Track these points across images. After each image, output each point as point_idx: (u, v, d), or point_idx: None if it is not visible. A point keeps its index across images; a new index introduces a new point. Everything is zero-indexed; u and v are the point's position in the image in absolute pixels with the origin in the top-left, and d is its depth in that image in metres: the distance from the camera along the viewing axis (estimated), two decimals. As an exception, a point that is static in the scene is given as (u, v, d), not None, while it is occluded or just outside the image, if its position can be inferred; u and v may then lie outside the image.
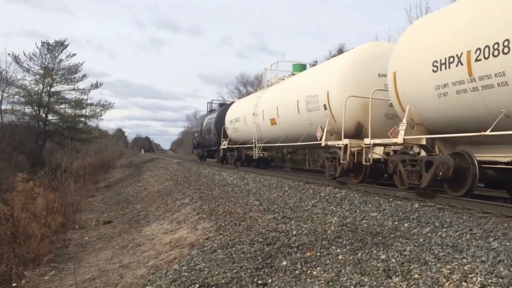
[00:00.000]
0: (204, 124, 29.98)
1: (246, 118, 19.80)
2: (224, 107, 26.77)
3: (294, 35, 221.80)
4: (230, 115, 23.23)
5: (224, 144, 23.54)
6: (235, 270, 5.00)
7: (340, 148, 11.02)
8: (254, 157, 19.79)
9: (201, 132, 30.92)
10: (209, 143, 28.75)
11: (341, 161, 10.84)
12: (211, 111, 31.39)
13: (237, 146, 21.98)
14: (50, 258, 9.91)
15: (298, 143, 14.44)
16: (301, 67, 17.54)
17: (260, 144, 18.66)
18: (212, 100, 34.61)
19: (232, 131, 22.62)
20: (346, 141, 10.74)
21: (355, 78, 11.14)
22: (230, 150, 23.32)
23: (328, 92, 11.79)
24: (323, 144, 11.86)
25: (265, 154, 19.79)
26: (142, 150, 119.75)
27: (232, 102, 27.19)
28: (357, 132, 11.15)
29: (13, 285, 8.28)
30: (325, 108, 11.97)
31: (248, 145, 20.10)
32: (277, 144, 16.69)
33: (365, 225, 6.47)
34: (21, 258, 9.61)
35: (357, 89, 10.81)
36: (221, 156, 24.61)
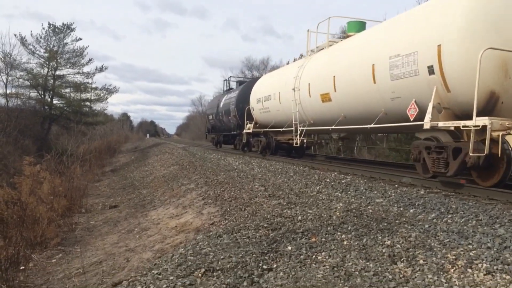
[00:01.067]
0: (221, 105, 25.19)
1: (282, 95, 15.77)
2: (247, 83, 22.38)
3: (301, 18, 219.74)
4: (257, 92, 18.87)
5: (249, 128, 19.37)
6: (240, 255, 5.02)
7: (453, 132, 7.84)
8: (294, 144, 15.03)
9: (217, 115, 26.44)
10: (227, 127, 24.84)
11: (470, 153, 6.95)
12: (229, 90, 26.62)
13: (265, 130, 18.01)
14: (57, 242, 10.03)
15: (372, 126, 10.06)
16: (360, 26, 13.01)
17: (303, 128, 14.22)
18: (230, 77, 29.19)
19: (260, 111, 18.37)
20: (483, 121, 6.88)
21: (495, 19, 7.17)
22: (255, 135, 19.51)
23: (440, 46, 7.65)
24: (428, 126, 7.85)
25: (305, 140, 14.90)
26: (148, 135, 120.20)
27: (258, 78, 22.60)
28: (489, 108, 7.26)
29: (21, 267, 8.39)
30: (431, 72, 7.88)
31: (283, 129, 16.00)
32: (333, 127, 12.25)
33: (370, 211, 6.48)
34: (28, 241, 9.73)
35: (498, 37, 7.07)
36: (244, 142, 20.70)
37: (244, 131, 20.03)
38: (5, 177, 15.89)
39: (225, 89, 28.43)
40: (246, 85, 22.07)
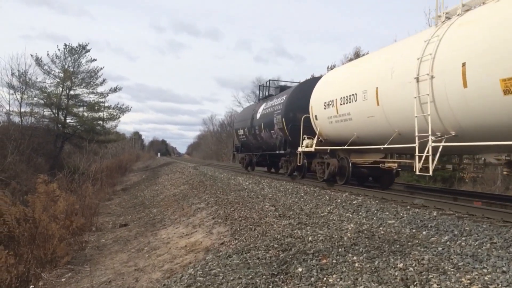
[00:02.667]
0: (258, 116, 19.84)
1: (382, 92, 9.79)
2: (303, 85, 16.81)
3: (313, 39, 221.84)
4: (324, 93, 12.99)
5: (308, 145, 13.84)
6: (250, 276, 4.97)
7: None
8: (414, 168, 8.65)
9: (251, 129, 20.97)
10: (266, 144, 19.28)
11: None
12: (267, 96, 21.05)
13: (337, 148, 12.37)
14: (67, 260, 10.03)
15: None
16: None
17: (438, 143, 8.10)
18: (270, 80, 22.70)
19: (329, 121, 12.50)
20: None
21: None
22: (312, 156, 14.25)
23: None
24: None
25: (432, 164, 8.10)
26: (159, 154, 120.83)
27: (319, 77, 15.64)
28: None
29: (31, 286, 8.39)
30: None
31: (377, 146, 10.35)
32: None
33: (382, 232, 6.39)
34: (39, 259, 9.75)
35: None
36: (298, 164, 14.84)
37: (300, 149, 14.34)
38: (17, 195, 16.02)
39: (261, 96, 22.65)
40: (300, 87, 16.68)
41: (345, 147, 11.73)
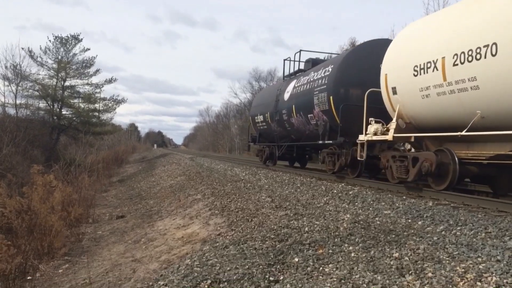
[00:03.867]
0: (286, 96, 15.67)
1: None
2: (358, 50, 12.76)
3: (311, 29, 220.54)
4: (414, 52, 8.85)
5: (381, 132, 9.92)
6: (247, 266, 5.00)
7: None
8: None
9: (275, 114, 16.67)
10: (298, 132, 15.16)
11: None
12: (296, 72, 16.86)
13: (434, 135, 8.60)
14: (64, 252, 10.05)
15: None
16: None
17: None
18: (300, 51, 16.97)
19: (425, 94, 8.41)
20: None
21: None
22: (392, 147, 10.44)
23: None
24: None
25: None
26: (155, 145, 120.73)
27: (385, 39, 12.54)
28: None
29: (28, 278, 8.41)
30: None
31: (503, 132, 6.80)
32: None
33: (378, 222, 6.43)
34: (36, 251, 9.76)
35: None
36: (359, 158, 10.74)
37: (363, 138, 10.32)
38: (13, 187, 15.99)
39: (286, 74, 17.99)
40: (355, 53, 12.39)
41: (463, 133, 7.47)
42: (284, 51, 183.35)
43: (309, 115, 13.53)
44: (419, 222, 6.22)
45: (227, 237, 7.19)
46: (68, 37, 38.55)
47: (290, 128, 15.64)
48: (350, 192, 9.10)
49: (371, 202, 7.96)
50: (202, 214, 9.86)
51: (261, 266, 4.95)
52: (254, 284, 4.50)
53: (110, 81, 41.16)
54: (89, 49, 40.05)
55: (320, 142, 12.80)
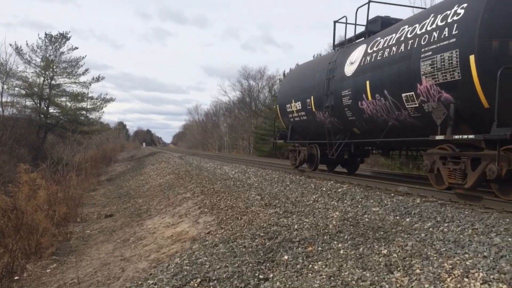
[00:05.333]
0: (350, 70, 10.85)
1: None
2: None
3: (301, 28, 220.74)
4: None
5: None
6: (237, 264, 5.01)
7: None
8: None
9: (325, 98, 11.92)
10: (371, 123, 10.30)
11: None
12: (359, 36, 11.92)
13: None
14: (52, 251, 9.96)
15: None
16: None
17: None
18: (370, 1, 11.28)
19: None
20: None
21: None
22: None
23: None
24: None
25: None
26: (144, 144, 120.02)
27: None
28: None
29: (15, 278, 8.32)
30: None
31: None
32: None
33: (367, 220, 6.47)
34: (23, 250, 9.66)
35: None
36: None
37: None
38: (0, 186, 15.80)
39: (345, 37, 12.60)
40: None
41: None
42: (274, 49, 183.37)
43: (404, 95, 8.67)
44: (407, 219, 6.27)
45: (217, 235, 7.18)
46: (57, 35, 38.18)
47: (355, 117, 10.72)
48: (339, 190, 9.14)
49: (360, 199, 8.01)
50: (192, 213, 9.83)
51: (250, 264, 4.96)
52: (244, 282, 4.51)
53: (97, 79, 40.82)
54: (77, 48, 39.68)
55: (440, 137, 7.70)
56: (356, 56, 10.76)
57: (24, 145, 30.54)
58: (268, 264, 4.95)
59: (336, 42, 13.34)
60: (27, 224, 10.53)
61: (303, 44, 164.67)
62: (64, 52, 38.97)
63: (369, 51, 10.22)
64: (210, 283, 4.61)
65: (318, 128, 12.86)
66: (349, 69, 10.87)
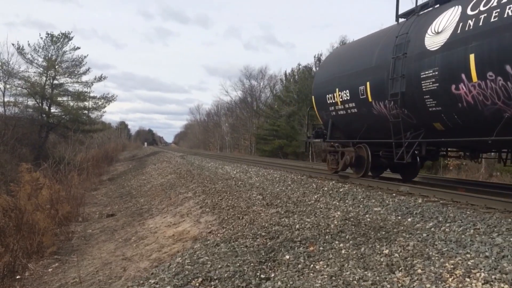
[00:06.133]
0: (435, 41, 8.19)
1: None
2: None
3: (303, 27, 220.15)
4: None
5: None
6: (238, 264, 5.00)
7: None
8: None
9: (397, 83, 9.08)
10: (472, 115, 7.60)
11: None
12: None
13: None
14: (53, 250, 9.97)
15: None
16: None
17: None
18: None
19: None
20: None
21: None
22: None
23: None
24: None
25: None
26: (145, 143, 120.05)
27: None
28: None
29: (17, 277, 8.33)
30: None
31: None
32: None
33: (368, 219, 6.47)
34: (25, 250, 9.67)
35: None
36: None
37: None
38: (2, 186, 15.82)
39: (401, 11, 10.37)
40: None
41: None
42: (276, 49, 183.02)
43: None
44: (409, 219, 6.26)
45: (218, 235, 7.18)
46: (59, 35, 38.21)
47: (441, 107, 8.23)
48: (341, 190, 9.13)
49: (362, 199, 8.00)
50: (193, 212, 9.84)
51: (252, 264, 4.95)
52: (245, 282, 4.50)
53: (100, 79, 40.80)
54: (79, 48, 39.63)
55: None
56: (446, 22, 8.16)
57: (26, 144, 30.58)
58: (269, 264, 4.95)
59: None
60: (28, 223, 10.54)
61: (306, 43, 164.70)
62: (66, 51, 39.03)
63: (470, 12, 7.63)
64: (212, 283, 4.60)
65: (375, 124, 10.27)
66: (434, 41, 8.29)
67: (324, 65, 13.94)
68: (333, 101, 11.73)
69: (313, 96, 13.28)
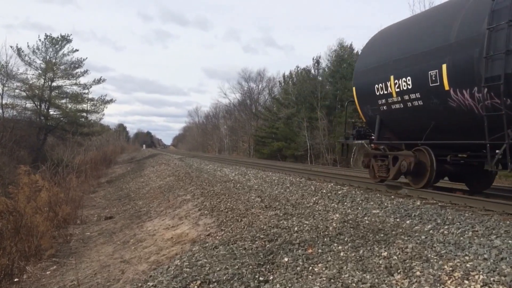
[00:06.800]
0: None
1: None
2: None
3: (302, 30, 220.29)
4: None
5: None
6: (237, 266, 5.00)
7: None
8: None
9: (493, 66, 6.78)
10: None
11: None
12: None
13: None
14: (51, 253, 9.94)
15: None
16: None
17: None
18: None
19: None
20: None
21: None
22: None
23: None
24: None
25: None
26: (144, 146, 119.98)
27: None
28: None
29: (15, 280, 8.30)
30: None
31: None
32: None
33: (367, 222, 6.47)
34: (23, 252, 9.64)
35: None
36: None
37: None
38: (0, 188, 15.78)
39: None
40: None
41: None
42: (275, 51, 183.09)
43: None
44: (407, 221, 6.27)
45: (217, 237, 7.17)
46: (58, 37, 38.21)
47: None
48: (339, 192, 9.13)
49: (360, 201, 8.00)
50: (192, 215, 9.83)
51: (250, 266, 4.95)
52: (244, 284, 4.50)
53: (98, 81, 40.80)
54: (77, 50, 39.73)
55: None
56: None
57: (24, 147, 30.55)
58: (268, 266, 4.95)
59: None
60: (27, 226, 10.51)
61: (305, 46, 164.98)
62: (65, 53, 39.02)
63: None
64: (210, 285, 4.60)
65: (450, 120, 8.02)
66: None
67: (370, 48, 10.83)
68: (385, 92, 9.27)
69: (354, 88, 10.78)
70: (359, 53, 11.06)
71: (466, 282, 3.78)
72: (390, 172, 9.44)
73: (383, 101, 9.41)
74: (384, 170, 9.70)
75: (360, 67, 10.74)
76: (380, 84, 9.38)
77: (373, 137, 10.23)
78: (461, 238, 5.06)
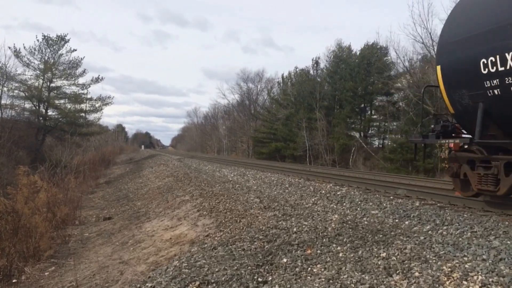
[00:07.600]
0: None
1: None
2: None
3: (302, 30, 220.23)
4: None
5: None
6: (235, 267, 4.99)
7: None
8: None
9: None
10: None
11: None
12: None
13: None
14: (50, 254, 9.92)
15: None
16: None
17: None
18: None
19: None
20: None
21: None
22: None
23: None
24: None
25: None
26: (142, 146, 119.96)
27: None
28: None
29: (14, 281, 8.29)
30: None
31: None
32: None
33: (366, 222, 6.47)
34: (21, 253, 9.62)
35: None
36: None
37: None
38: (-2, 189, 15.76)
39: None
40: None
41: None
42: (275, 52, 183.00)
43: None
44: (406, 222, 6.27)
45: (216, 238, 7.17)
46: (56, 38, 38.18)
47: None
48: (338, 193, 9.13)
49: (359, 202, 8.00)
50: (190, 215, 9.82)
51: (249, 267, 4.94)
52: (243, 285, 4.49)
53: (97, 80, 40.75)
54: (75, 50, 39.72)
55: None
56: None
57: (23, 147, 30.53)
58: (267, 267, 4.94)
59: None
60: (25, 227, 10.49)
61: (304, 46, 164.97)
62: (62, 54, 38.99)
63: None
64: (209, 286, 4.59)
65: None
66: None
67: (464, 11, 7.63)
68: (501, 69, 6.30)
69: (438, 67, 7.75)
70: (445, 17, 7.91)
71: (465, 283, 3.78)
72: (501, 184, 6.60)
73: (495, 82, 6.46)
74: (490, 181, 6.79)
75: (452, 36, 7.53)
76: (491, 58, 6.44)
77: (465, 135, 7.65)
78: (460, 239, 5.06)
